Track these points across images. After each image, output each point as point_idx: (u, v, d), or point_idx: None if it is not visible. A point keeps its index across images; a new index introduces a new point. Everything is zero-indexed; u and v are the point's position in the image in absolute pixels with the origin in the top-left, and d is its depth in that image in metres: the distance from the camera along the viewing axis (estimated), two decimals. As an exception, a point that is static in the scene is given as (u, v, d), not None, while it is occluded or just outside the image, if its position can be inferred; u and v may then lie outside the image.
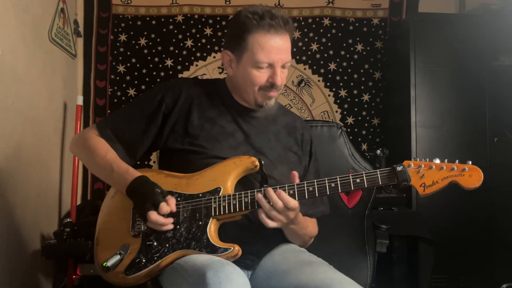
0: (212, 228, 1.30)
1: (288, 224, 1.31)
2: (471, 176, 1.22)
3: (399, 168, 1.24)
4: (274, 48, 1.35)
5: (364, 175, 1.26)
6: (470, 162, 1.24)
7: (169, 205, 1.30)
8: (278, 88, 1.40)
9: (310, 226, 1.47)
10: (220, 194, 1.32)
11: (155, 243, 1.32)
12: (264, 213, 1.26)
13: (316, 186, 1.27)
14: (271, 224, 1.27)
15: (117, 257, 1.30)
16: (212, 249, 1.27)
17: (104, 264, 1.29)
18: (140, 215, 1.34)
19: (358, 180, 1.26)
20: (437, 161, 1.25)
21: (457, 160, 1.25)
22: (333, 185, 1.27)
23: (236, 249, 1.27)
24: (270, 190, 1.25)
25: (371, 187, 1.28)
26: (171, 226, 1.30)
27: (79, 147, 1.49)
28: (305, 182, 1.29)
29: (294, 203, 1.25)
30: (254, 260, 1.41)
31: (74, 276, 2.45)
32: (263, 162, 1.35)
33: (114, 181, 1.41)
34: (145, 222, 1.32)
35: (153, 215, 1.27)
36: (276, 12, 1.37)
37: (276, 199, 1.24)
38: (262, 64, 1.36)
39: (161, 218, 1.28)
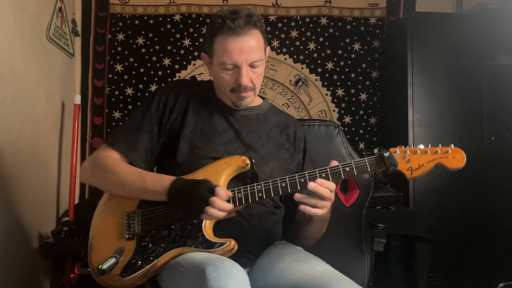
0: (207, 225, 1.31)
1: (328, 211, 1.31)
2: (455, 158, 1.27)
3: (386, 154, 1.27)
4: (236, 49, 1.36)
5: (353, 163, 1.29)
6: (453, 145, 1.28)
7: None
8: (247, 88, 1.41)
9: None
10: None
11: (150, 244, 1.32)
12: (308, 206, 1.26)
13: (307, 177, 1.29)
14: (319, 212, 1.27)
15: (113, 260, 1.30)
16: (208, 245, 1.28)
17: (99, 267, 1.29)
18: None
19: (347, 169, 1.29)
20: (421, 146, 1.29)
21: (440, 144, 1.28)
22: (323, 175, 1.28)
23: (232, 243, 1.28)
24: (317, 181, 1.26)
25: (360, 175, 1.31)
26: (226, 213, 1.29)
27: (96, 170, 1.43)
28: (296, 174, 1.30)
29: (332, 184, 1.28)
30: (250, 258, 1.42)
31: (72, 275, 2.46)
32: (253, 160, 1.37)
33: (150, 190, 1.34)
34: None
35: (217, 200, 1.24)
36: (240, 12, 1.36)
37: (324, 189, 1.26)
38: (227, 66, 1.38)
39: (225, 203, 1.26)
